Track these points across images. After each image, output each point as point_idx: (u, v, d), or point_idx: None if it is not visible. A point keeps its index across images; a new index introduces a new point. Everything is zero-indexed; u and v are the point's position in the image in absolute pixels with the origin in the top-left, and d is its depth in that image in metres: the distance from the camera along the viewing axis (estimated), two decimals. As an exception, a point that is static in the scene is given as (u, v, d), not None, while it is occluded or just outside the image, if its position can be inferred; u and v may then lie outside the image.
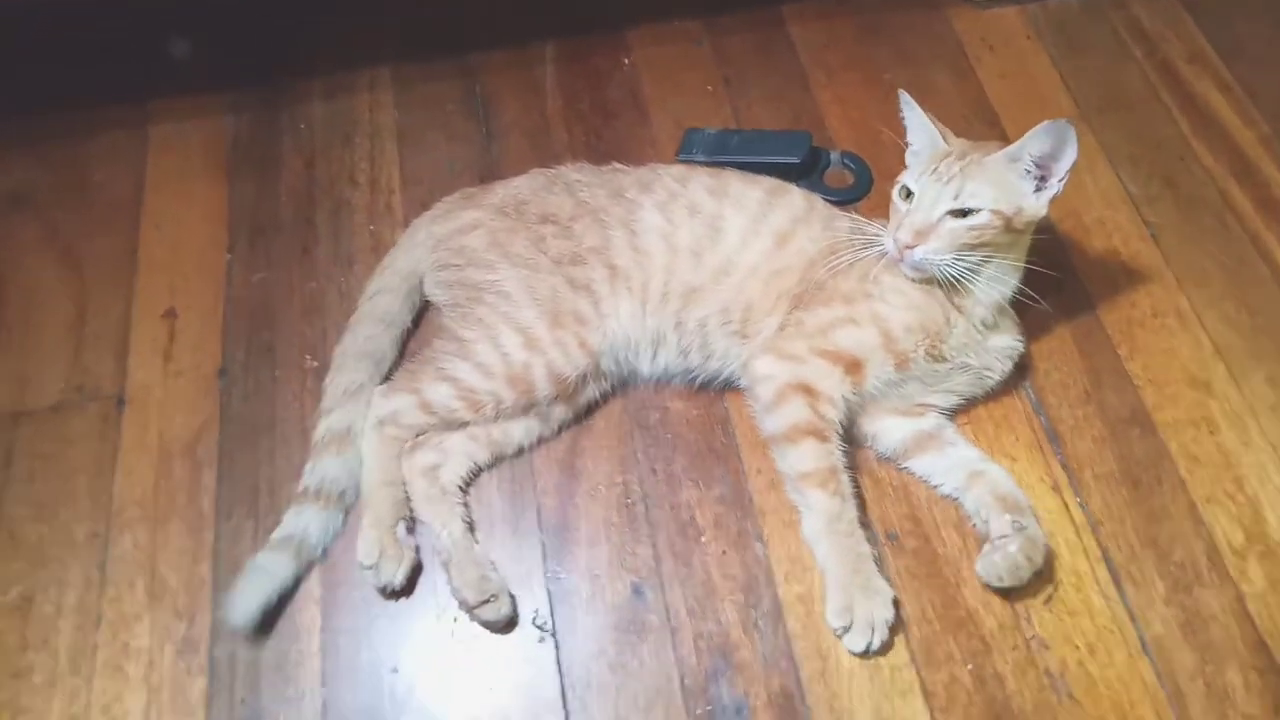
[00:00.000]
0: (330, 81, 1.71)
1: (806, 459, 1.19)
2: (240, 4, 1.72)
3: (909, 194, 1.20)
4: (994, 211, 1.16)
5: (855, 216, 1.31)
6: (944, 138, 1.23)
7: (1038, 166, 1.17)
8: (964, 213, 1.16)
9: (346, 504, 1.24)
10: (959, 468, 1.23)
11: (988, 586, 1.17)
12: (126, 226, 1.54)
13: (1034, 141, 1.16)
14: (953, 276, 1.18)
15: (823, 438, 1.19)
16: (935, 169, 1.19)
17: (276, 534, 1.20)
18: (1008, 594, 1.18)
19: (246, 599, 1.15)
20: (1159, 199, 1.54)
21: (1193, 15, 1.77)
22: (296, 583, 1.19)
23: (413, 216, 1.45)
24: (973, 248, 1.17)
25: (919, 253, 1.17)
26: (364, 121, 1.66)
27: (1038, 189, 1.19)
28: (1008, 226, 1.17)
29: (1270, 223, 1.51)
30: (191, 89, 1.69)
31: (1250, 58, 1.71)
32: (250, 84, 1.70)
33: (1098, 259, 1.48)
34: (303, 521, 1.20)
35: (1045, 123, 1.14)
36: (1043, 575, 1.18)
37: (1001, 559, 1.14)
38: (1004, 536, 1.16)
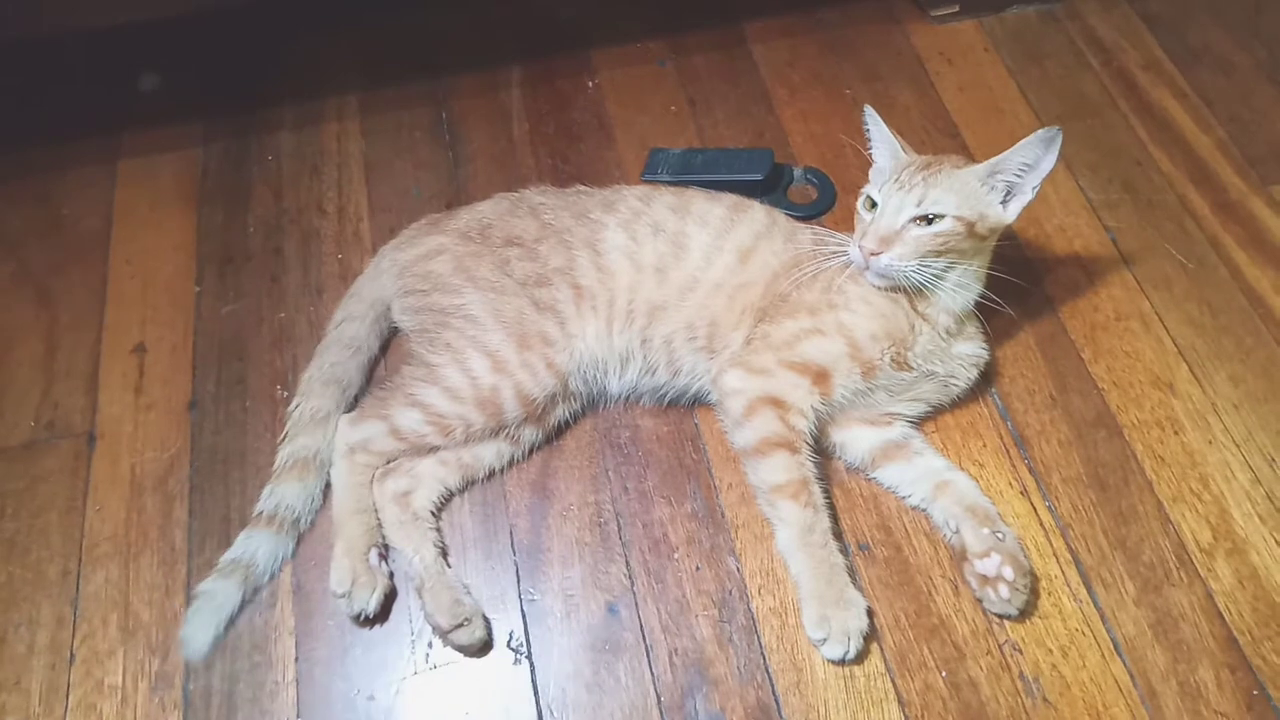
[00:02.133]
0: (298, 111, 1.72)
1: (778, 471, 1.20)
2: (206, 36, 1.73)
3: (873, 204, 1.22)
4: (957, 218, 1.18)
5: (817, 230, 1.33)
6: (904, 150, 1.25)
7: (1017, 176, 1.20)
8: (928, 220, 1.18)
9: (300, 530, 1.25)
10: (926, 478, 1.24)
11: (1006, 617, 1.18)
12: (96, 261, 1.55)
13: (1024, 151, 1.18)
14: (918, 283, 1.20)
15: (793, 449, 1.20)
16: (898, 178, 1.21)
17: (225, 556, 1.21)
18: (961, 597, 1.19)
19: (198, 631, 1.16)
20: (1119, 205, 1.56)
21: (1148, 24, 1.80)
22: (242, 607, 1.20)
23: (381, 244, 1.46)
24: (937, 254, 1.19)
25: (884, 259, 1.18)
26: (332, 150, 1.67)
27: (1007, 198, 1.21)
28: (971, 233, 1.19)
29: (1228, 225, 1.53)
30: (159, 122, 1.71)
31: (1204, 64, 1.74)
32: (218, 116, 1.72)
33: (1060, 265, 1.50)
34: (252, 545, 1.21)
35: (1038, 131, 1.16)
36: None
37: (1007, 591, 1.15)
38: (984, 555, 1.17)
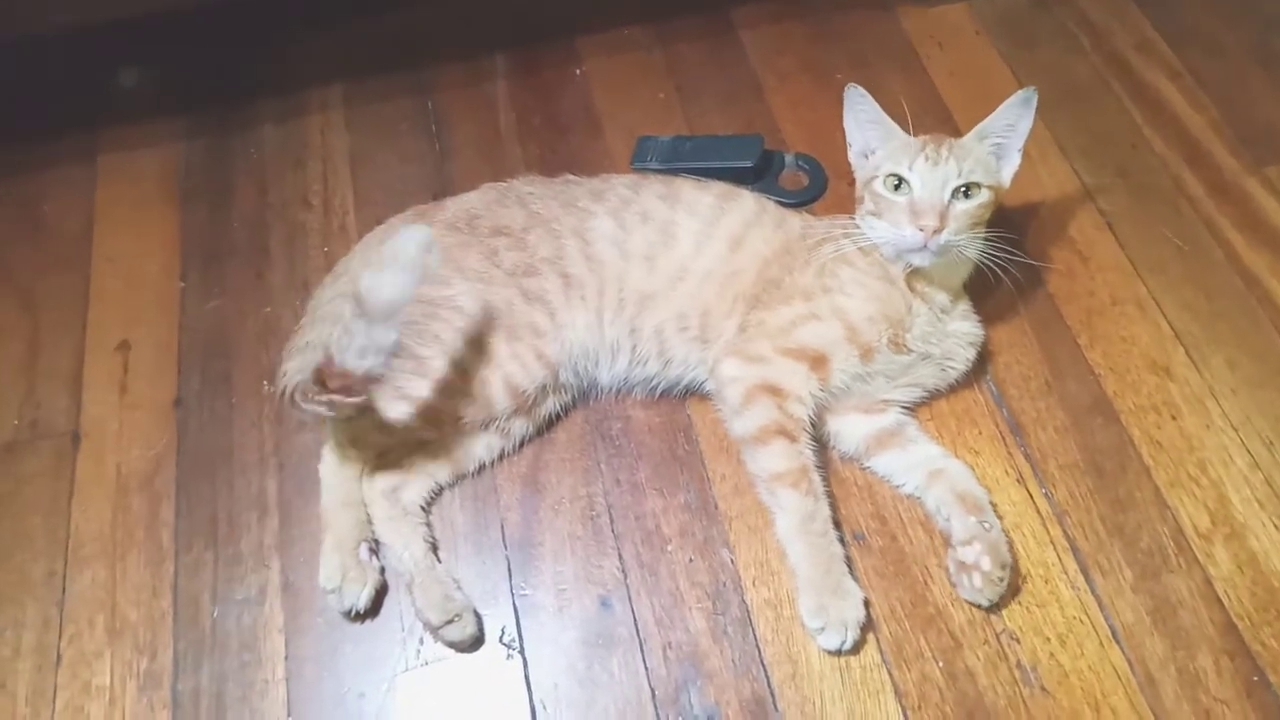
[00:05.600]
0: (281, 104, 1.70)
1: (777, 459, 1.18)
2: (186, 30, 1.71)
3: (898, 184, 1.20)
4: (989, 187, 1.19)
5: (806, 216, 1.32)
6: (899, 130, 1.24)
7: (1002, 139, 1.22)
8: (966, 193, 1.18)
9: None
10: (920, 466, 1.23)
11: (978, 606, 1.17)
12: (78, 259, 1.52)
13: (1005, 114, 1.21)
14: (964, 256, 1.21)
15: (792, 437, 1.19)
16: (924, 155, 1.19)
17: None
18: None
19: None
20: (1113, 188, 1.55)
21: (1139, 4, 1.79)
22: None
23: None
24: (974, 226, 1.20)
25: (944, 236, 1.17)
26: (316, 144, 1.65)
27: (1000, 164, 1.24)
28: (995, 201, 1.21)
29: (1223, 206, 1.52)
30: (139, 118, 1.68)
31: (1197, 43, 1.73)
32: (199, 110, 1.69)
33: (1055, 250, 1.48)
34: None
35: (1016, 93, 1.19)
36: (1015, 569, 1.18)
37: (982, 581, 1.14)
38: (967, 543, 1.15)
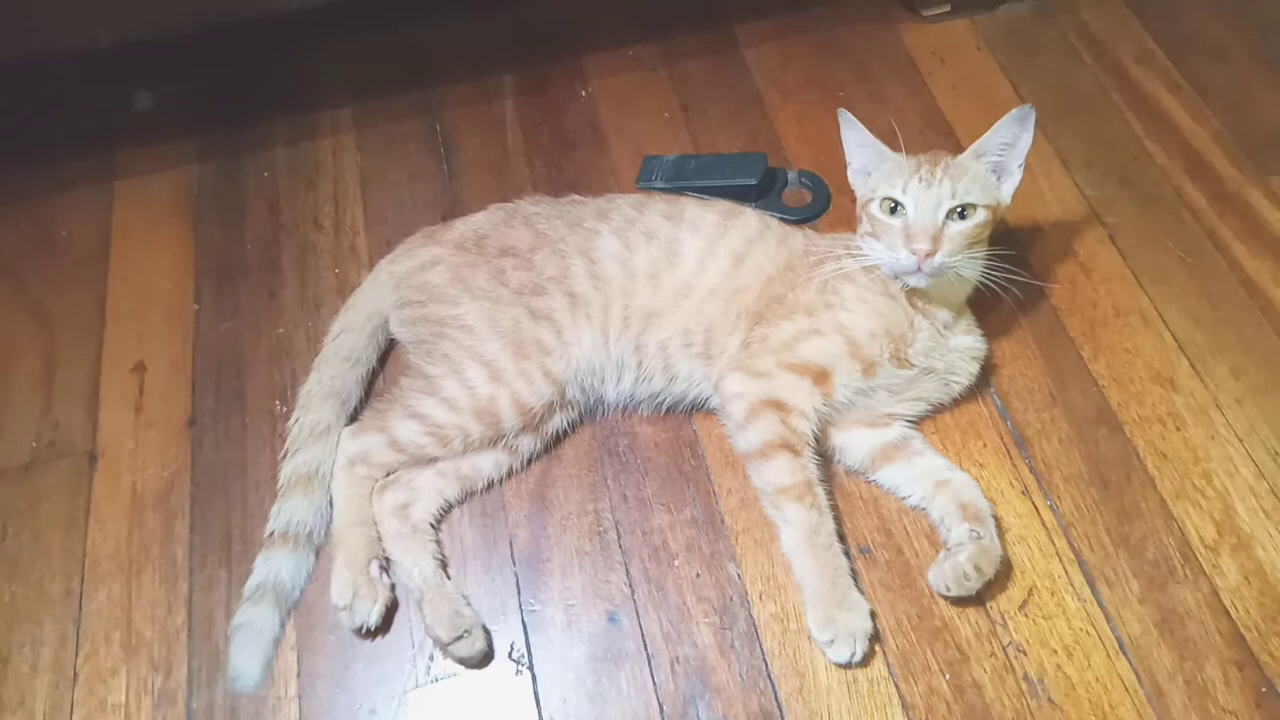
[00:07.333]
0: (292, 126, 1.73)
1: (782, 474, 1.19)
2: (198, 53, 1.74)
3: (894, 207, 1.21)
4: (985, 206, 1.19)
5: (809, 233, 1.33)
6: (889, 150, 1.25)
7: (999, 156, 1.22)
8: (962, 214, 1.18)
9: (315, 544, 1.24)
10: (925, 477, 1.23)
11: (937, 594, 1.18)
12: (94, 280, 1.55)
13: (1001, 131, 1.21)
14: (962, 276, 1.21)
15: (796, 452, 1.20)
16: (917, 177, 1.20)
17: (250, 584, 1.20)
18: (963, 601, 1.18)
19: (248, 661, 1.16)
20: (1115, 200, 1.56)
21: (1140, 17, 1.80)
22: (282, 628, 1.20)
23: (377, 257, 1.46)
24: (971, 246, 1.20)
25: (939, 258, 1.17)
26: (327, 164, 1.68)
27: (999, 182, 1.24)
28: (993, 219, 1.21)
29: (1226, 216, 1.52)
30: (153, 141, 1.71)
31: (1198, 53, 1.73)
32: (212, 133, 1.72)
33: (1057, 262, 1.49)
34: (273, 566, 1.20)
35: (1012, 111, 1.19)
36: (1007, 582, 1.19)
37: (950, 568, 1.15)
38: (959, 544, 1.16)
